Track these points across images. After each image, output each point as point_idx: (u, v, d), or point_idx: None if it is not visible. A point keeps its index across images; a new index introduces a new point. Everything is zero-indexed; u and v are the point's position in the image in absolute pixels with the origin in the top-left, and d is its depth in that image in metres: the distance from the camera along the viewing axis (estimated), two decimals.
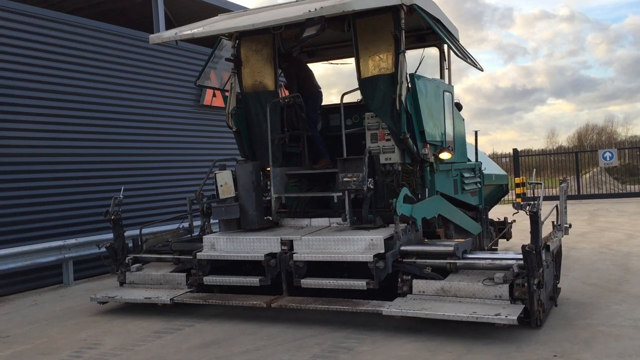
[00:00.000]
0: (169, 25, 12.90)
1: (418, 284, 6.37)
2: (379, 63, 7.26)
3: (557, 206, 7.50)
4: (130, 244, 8.33)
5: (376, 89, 7.25)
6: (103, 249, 8.07)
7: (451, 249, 6.54)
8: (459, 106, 9.02)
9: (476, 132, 9.85)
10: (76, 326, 6.98)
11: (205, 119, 12.95)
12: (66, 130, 10.16)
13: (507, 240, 11.02)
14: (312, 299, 6.70)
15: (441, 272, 6.46)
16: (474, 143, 9.93)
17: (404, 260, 6.59)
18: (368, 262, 6.42)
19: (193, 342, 6.12)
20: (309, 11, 6.10)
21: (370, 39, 7.31)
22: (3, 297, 8.86)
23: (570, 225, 7.61)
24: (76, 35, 10.33)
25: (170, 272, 7.70)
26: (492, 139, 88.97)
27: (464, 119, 9.06)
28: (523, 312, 5.83)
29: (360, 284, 6.47)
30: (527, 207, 6.00)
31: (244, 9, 9.73)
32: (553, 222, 7.47)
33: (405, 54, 7.08)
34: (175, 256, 7.83)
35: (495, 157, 29.95)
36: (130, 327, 6.84)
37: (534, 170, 7.31)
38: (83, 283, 9.83)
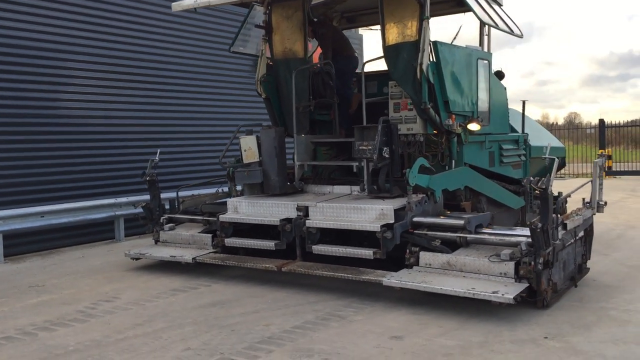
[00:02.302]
0: None
1: (425, 256, 6.28)
2: (403, 30, 7.09)
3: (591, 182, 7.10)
4: (168, 205, 8.73)
5: (399, 57, 7.10)
6: (140, 209, 8.50)
7: (462, 222, 6.38)
8: (500, 75, 8.65)
9: (524, 102, 9.40)
10: (105, 280, 7.45)
11: None
12: (123, 94, 10.69)
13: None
14: (321, 265, 6.79)
15: (452, 246, 6.34)
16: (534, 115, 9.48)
17: (415, 231, 6.51)
18: (376, 232, 6.40)
19: (202, 301, 6.39)
20: None
21: (395, 5, 7.13)
22: (57, 249, 9.56)
23: (605, 203, 7.19)
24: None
25: (198, 232, 8.01)
26: (600, 108, 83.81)
27: (505, 88, 8.68)
28: (527, 292, 5.65)
29: (367, 253, 6.47)
30: (538, 182, 5.73)
31: None
32: (583, 199, 7.10)
33: (429, 20, 6.87)
34: (205, 218, 8.13)
35: (579, 128, 28.46)
36: (152, 283, 7.23)
37: (548, 145, 6.92)
38: (133, 240, 10.38)
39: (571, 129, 28.19)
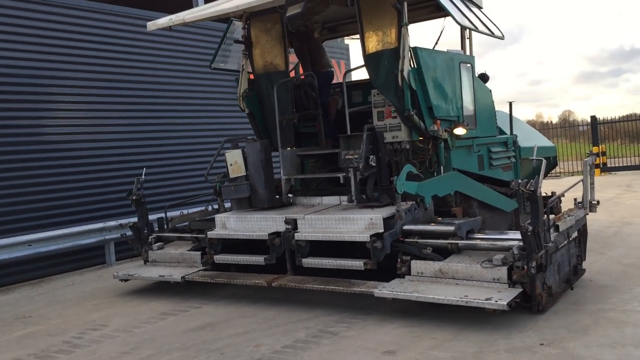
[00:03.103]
0: None
1: (417, 265, 6.15)
2: (383, 38, 7.01)
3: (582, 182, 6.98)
4: (157, 225, 8.60)
5: (380, 65, 7.01)
6: (127, 230, 8.34)
7: (452, 228, 6.26)
8: (484, 77, 8.57)
9: (510, 104, 9.30)
10: (94, 307, 7.29)
11: None
12: (106, 116, 10.57)
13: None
14: (312, 278, 6.65)
15: (444, 253, 6.21)
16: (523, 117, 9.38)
17: (405, 240, 6.39)
18: (366, 242, 6.27)
19: (191, 324, 6.24)
20: None
21: (373, 13, 7.05)
22: (47, 278, 9.37)
23: (598, 202, 7.07)
24: (104, 22, 10.63)
25: (188, 250, 7.88)
26: (594, 104, 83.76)
27: (490, 91, 8.59)
28: (522, 297, 5.52)
29: (357, 264, 6.34)
30: (527, 184, 5.62)
31: None
32: (575, 199, 6.98)
33: (408, 27, 6.78)
34: (193, 235, 7.99)
35: (572, 127, 28.47)
36: (142, 308, 7.07)
37: (535, 146, 6.81)
38: (125, 263, 10.21)
39: (565, 128, 28.18)
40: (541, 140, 10.76)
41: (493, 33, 7.72)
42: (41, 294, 8.32)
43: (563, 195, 7.89)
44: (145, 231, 8.35)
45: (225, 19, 8.14)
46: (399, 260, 6.27)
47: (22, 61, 9.45)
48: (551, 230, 5.96)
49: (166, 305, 7.11)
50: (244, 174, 7.70)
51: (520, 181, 5.69)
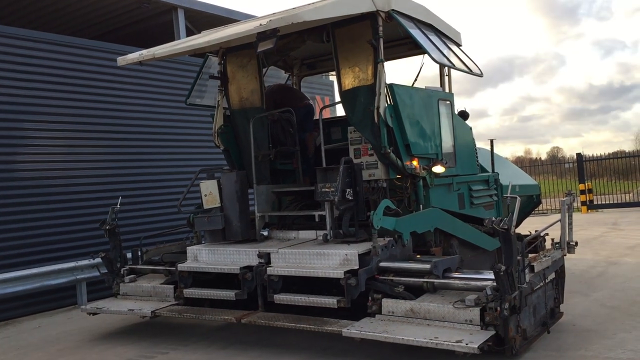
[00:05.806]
0: None
1: (387, 304, 5.92)
2: (359, 74, 6.91)
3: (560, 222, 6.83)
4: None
5: (356, 102, 6.90)
6: (98, 259, 8.06)
7: (428, 266, 6.06)
8: (464, 115, 8.48)
9: (492, 141, 9.21)
10: (58, 352, 6.95)
11: None
12: (78, 152, 10.25)
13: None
14: (283, 315, 6.42)
15: (419, 292, 5.99)
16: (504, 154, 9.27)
17: (380, 277, 6.17)
18: (340, 279, 6.05)
19: None
20: (260, 25, 5.84)
21: (349, 49, 6.98)
22: (13, 320, 8.96)
23: (576, 243, 6.91)
24: (77, 56, 10.44)
25: (161, 284, 7.61)
26: (584, 141, 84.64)
27: (470, 128, 8.49)
28: (494, 340, 5.30)
29: (330, 301, 6.08)
30: (500, 223, 5.44)
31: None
32: (552, 240, 6.82)
33: (384, 63, 6.70)
34: (166, 268, 7.73)
35: (558, 164, 28.54)
36: (106, 354, 6.74)
37: (510, 183, 6.66)
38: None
39: (552, 164, 28.25)
40: (524, 179, 10.66)
41: (471, 70, 7.66)
42: (4, 338, 7.95)
43: (546, 234, 7.72)
44: (118, 263, 8.07)
45: (202, 54, 8.06)
46: (370, 298, 6.05)
47: None
48: (526, 270, 5.78)
49: (132, 350, 6.80)
50: (219, 205, 7.49)
51: (494, 219, 5.53)
